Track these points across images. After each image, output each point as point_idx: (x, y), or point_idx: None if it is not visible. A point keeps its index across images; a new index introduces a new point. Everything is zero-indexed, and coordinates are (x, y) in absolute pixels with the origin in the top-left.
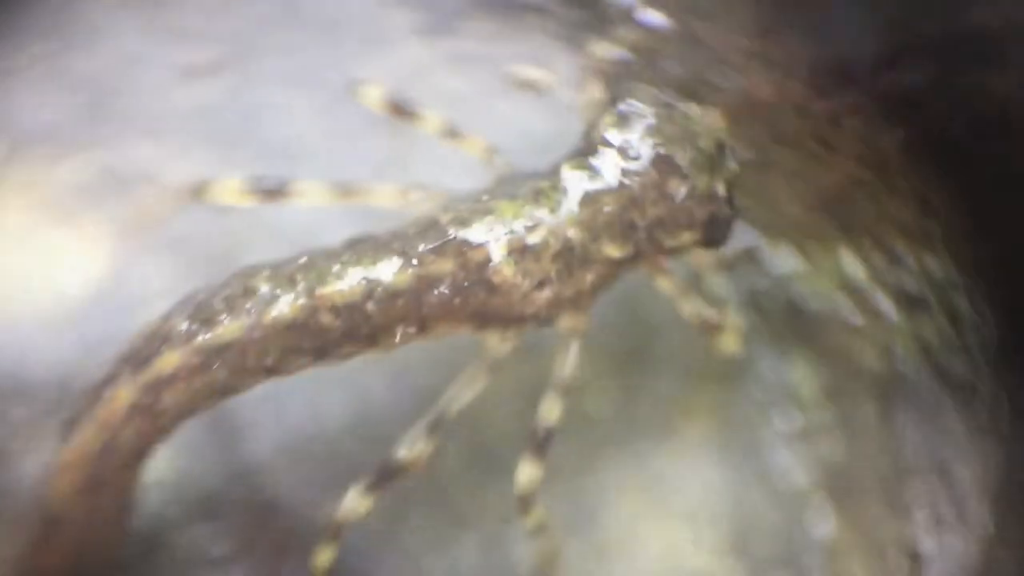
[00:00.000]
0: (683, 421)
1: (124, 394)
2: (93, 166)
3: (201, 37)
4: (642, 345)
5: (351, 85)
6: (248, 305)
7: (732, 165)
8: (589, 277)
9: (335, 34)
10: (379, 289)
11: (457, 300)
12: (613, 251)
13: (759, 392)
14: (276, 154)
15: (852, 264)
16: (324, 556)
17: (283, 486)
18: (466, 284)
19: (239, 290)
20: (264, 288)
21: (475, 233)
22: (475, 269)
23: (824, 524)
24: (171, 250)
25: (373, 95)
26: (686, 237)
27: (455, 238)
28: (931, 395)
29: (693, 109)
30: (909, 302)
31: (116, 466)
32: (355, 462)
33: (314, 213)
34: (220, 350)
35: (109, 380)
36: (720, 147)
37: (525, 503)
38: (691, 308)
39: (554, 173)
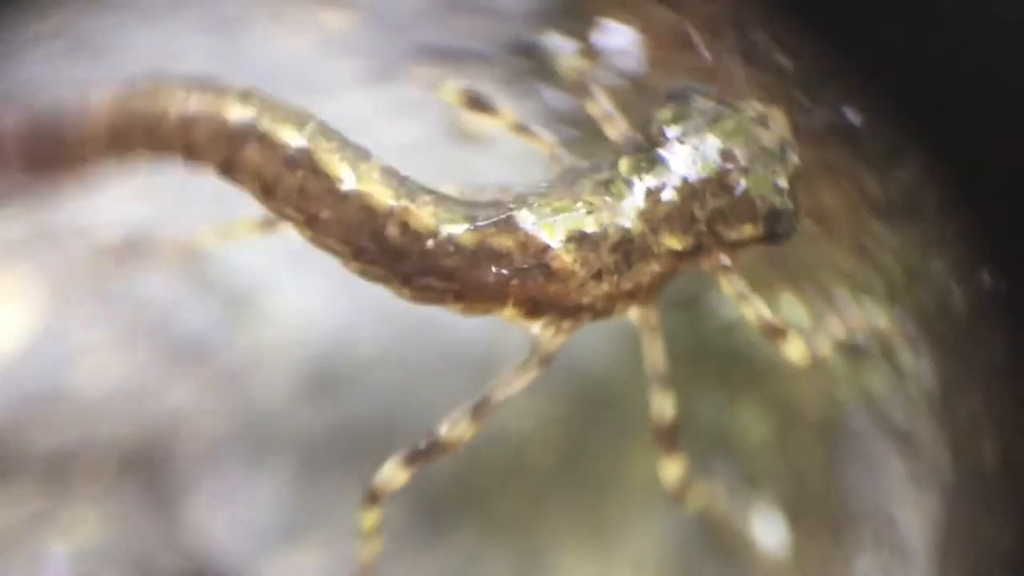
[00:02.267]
0: (627, 470)
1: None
2: (25, 219)
3: None
4: (584, 396)
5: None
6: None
7: (794, 159)
8: (649, 270)
9: (275, 84)
10: (444, 234)
11: (515, 281)
12: (674, 243)
13: (702, 440)
14: (215, 205)
15: (795, 310)
16: None
17: (217, 549)
18: (525, 266)
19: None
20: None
21: (536, 217)
22: (534, 252)
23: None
24: (105, 306)
25: (451, 89)
26: (748, 230)
27: (518, 219)
28: (874, 444)
29: (754, 105)
30: (852, 350)
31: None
32: (295, 522)
33: (250, 270)
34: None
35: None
36: (781, 142)
37: (680, 495)
38: (754, 312)
39: (613, 166)
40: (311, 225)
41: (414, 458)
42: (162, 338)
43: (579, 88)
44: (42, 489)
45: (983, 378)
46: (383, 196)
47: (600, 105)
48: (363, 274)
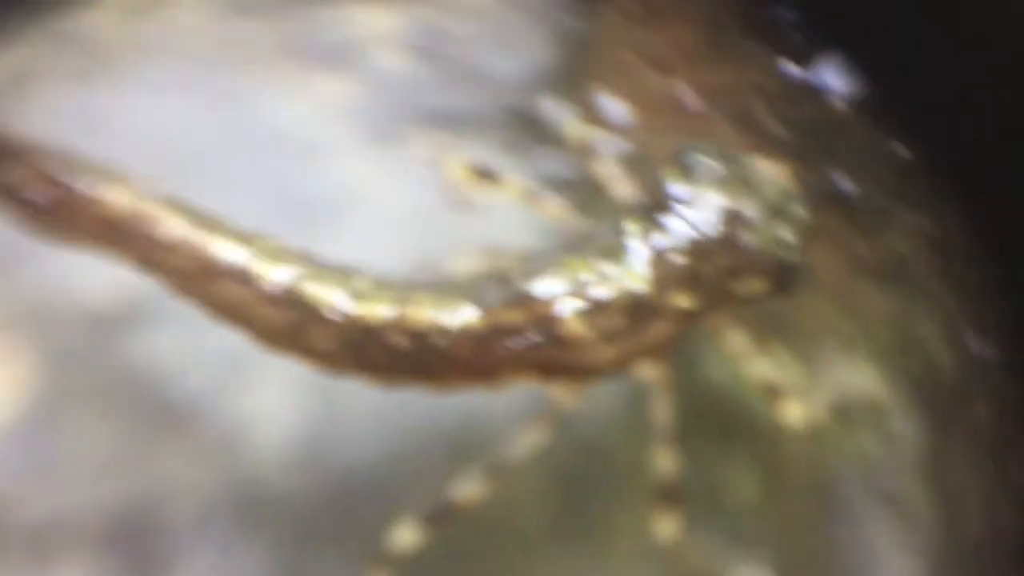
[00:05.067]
0: (618, 530)
1: None
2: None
3: None
4: (580, 463)
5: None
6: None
7: (800, 213)
8: (659, 330)
9: (276, 151)
10: (453, 325)
11: (527, 353)
12: (683, 303)
13: (690, 499)
14: None
15: (789, 368)
16: None
17: None
18: (537, 338)
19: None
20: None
21: (544, 287)
22: (544, 323)
23: None
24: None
25: (455, 166)
26: (756, 286)
27: (525, 292)
28: (864, 507)
29: (757, 160)
30: (842, 411)
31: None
32: None
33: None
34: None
35: None
36: (787, 195)
37: (674, 553)
38: (758, 370)
39: (620, 229)
40: (312, 357)
41: (429, 521)
42: (152, 405)
43: (584, 151)
44: (26, 562)
45: (970, 443)
46: (378, 310)
47: (606, 167)
48: (393, 386)
